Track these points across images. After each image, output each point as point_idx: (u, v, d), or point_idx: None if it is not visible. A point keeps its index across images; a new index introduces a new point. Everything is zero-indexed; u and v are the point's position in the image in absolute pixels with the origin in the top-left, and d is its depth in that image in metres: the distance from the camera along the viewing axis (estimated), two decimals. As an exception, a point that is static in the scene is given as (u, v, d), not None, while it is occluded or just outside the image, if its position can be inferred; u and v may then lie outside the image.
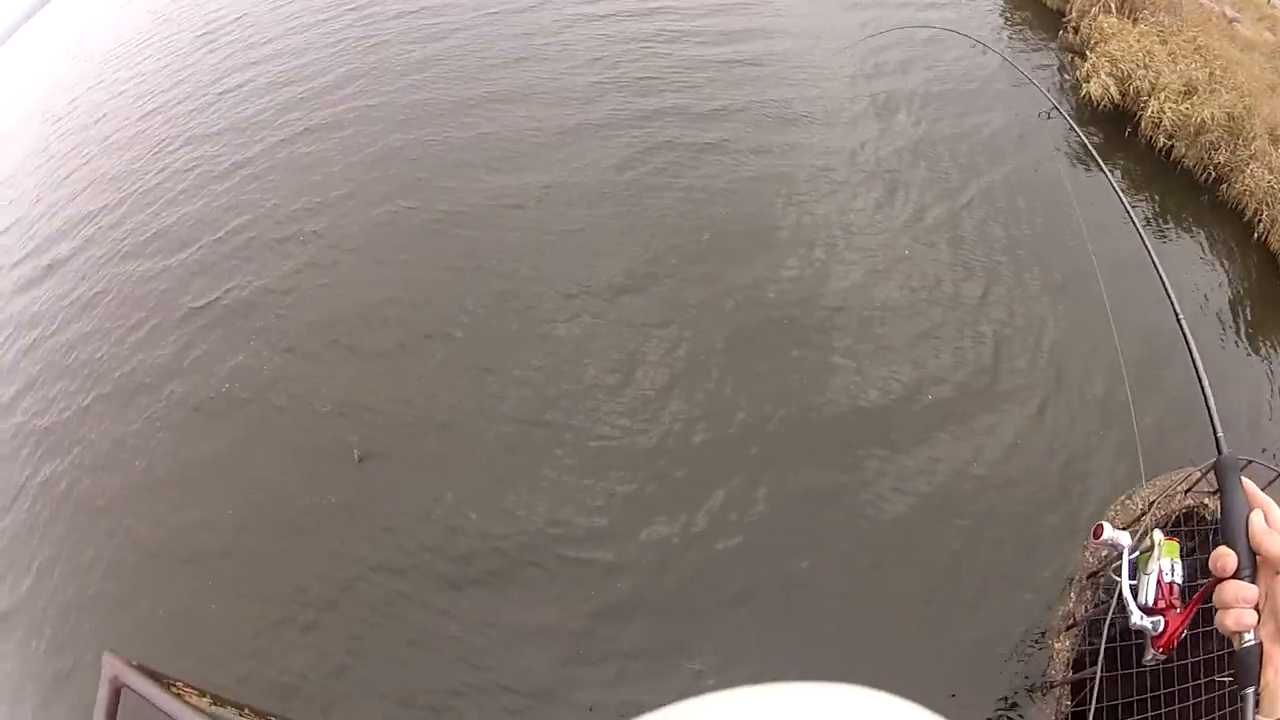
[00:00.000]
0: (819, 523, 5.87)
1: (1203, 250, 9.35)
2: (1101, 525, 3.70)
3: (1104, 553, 5.33)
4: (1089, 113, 10.77)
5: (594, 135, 9.77)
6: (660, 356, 6.81)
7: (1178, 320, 2.25)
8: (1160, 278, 2.42)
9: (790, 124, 9.98)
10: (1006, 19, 13.64)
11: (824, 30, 12.54)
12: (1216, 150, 10.10)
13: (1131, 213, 2.76)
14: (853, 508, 5.99)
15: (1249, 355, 7.94)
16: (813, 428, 6.42)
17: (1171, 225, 9.46)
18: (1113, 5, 12.12)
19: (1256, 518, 1.01)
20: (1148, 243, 2.61)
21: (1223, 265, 9.19)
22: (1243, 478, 1.11)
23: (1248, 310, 8.48)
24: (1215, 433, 1.67)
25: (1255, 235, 9.64)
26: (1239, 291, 8.80)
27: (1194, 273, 8.95)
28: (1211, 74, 10.82)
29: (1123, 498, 6.15)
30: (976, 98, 10.92)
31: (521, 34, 12.52)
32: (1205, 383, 1.82)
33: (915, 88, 10.91)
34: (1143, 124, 10.46)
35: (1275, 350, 8.01)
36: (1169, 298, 2.33)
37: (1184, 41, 11.48)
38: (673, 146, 9.40)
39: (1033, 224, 8.74)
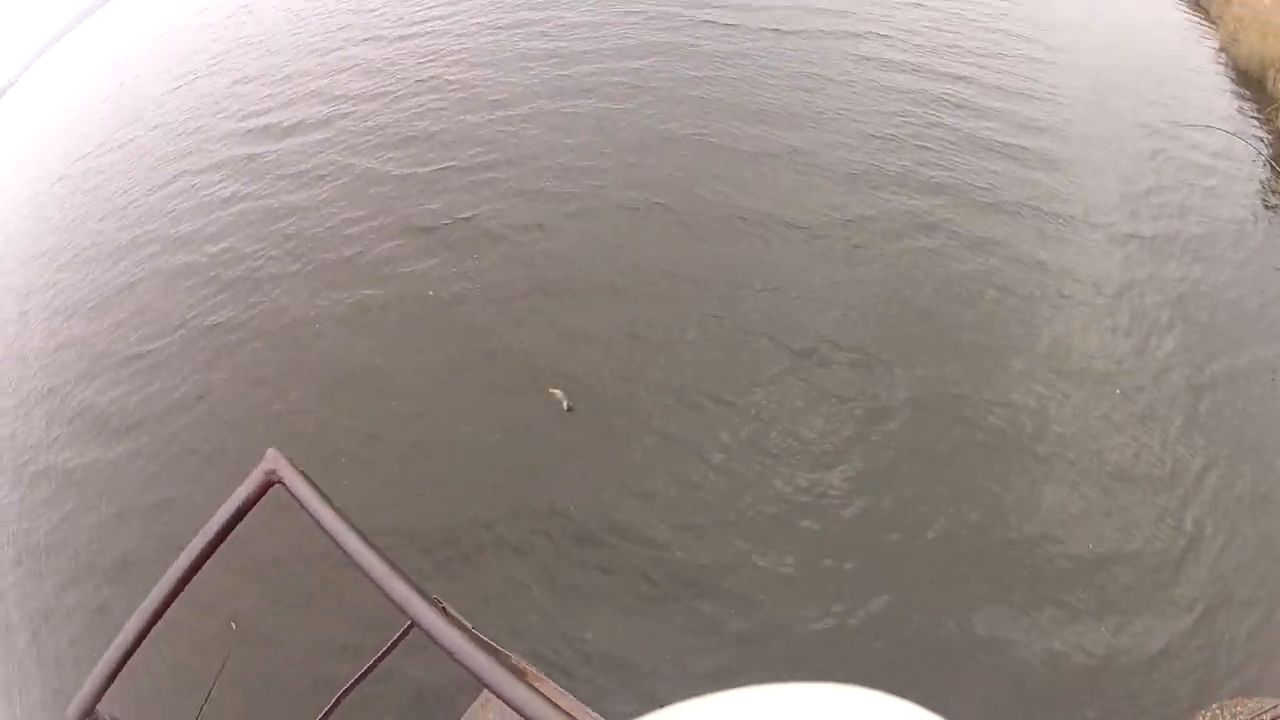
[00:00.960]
0: (961, 656, 5.88)
1: None
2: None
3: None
4: None
5: (853, 186, 9.61)
6: (864, 439, 6.87)
7: None
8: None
9: (1051, 238, 9.46)
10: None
11: (1107, 140, 11.81)
12: None
13: None
14: (999, 653, 5.95)
15: None
16: (987, 561, 6.39)
17: None
18: None
19: None
20: None
21: None
22: None
23: None
24: None
25: None
26: None
27: None
28: None
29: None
30: (1264, 254, 9.95)
31: (807, 61, 12.48)
32: None
33: (1192, 227, 10.16)
34: None
35: None
36: None
37: None
38: (930, 230, 9.12)
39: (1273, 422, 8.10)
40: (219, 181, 11.83)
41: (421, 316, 8.51)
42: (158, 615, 1.41)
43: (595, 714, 3.51)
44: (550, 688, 3.55)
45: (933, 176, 9.92)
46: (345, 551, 1.33)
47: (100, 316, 9.91)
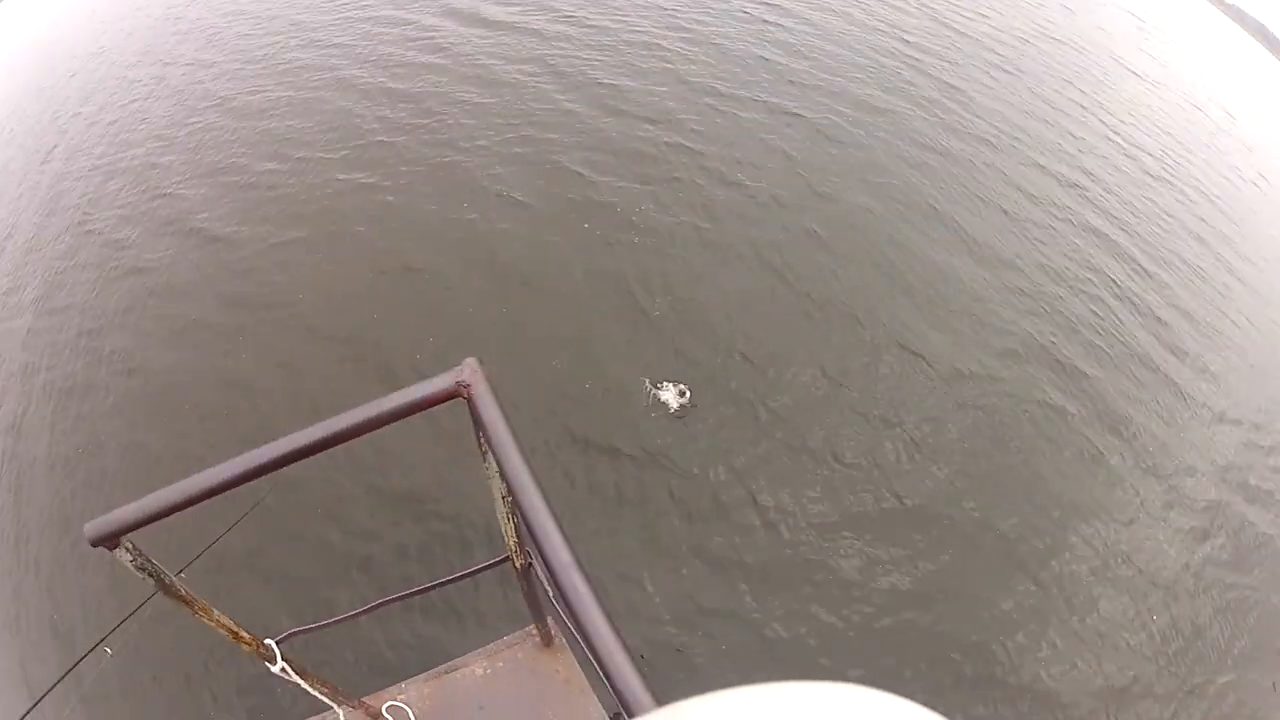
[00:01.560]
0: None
1: None
2: None
3: None
4: None
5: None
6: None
7: None
8: None
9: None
10: None
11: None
12: None
13: None
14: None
15: None
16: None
17: None
18: None
19: None
20: None
21: None
22: None
23: None
24: None
25: None
26: None
27: None
28: None
29: None
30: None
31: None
32: None
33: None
34: None
35: None
36: None
37: None
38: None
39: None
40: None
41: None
42: (245, 478, 1.29)
43: None
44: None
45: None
46: (517, 499, 1.22)
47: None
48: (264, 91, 11.26)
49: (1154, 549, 7.18)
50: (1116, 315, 9.72)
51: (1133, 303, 10.09)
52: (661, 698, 0.81)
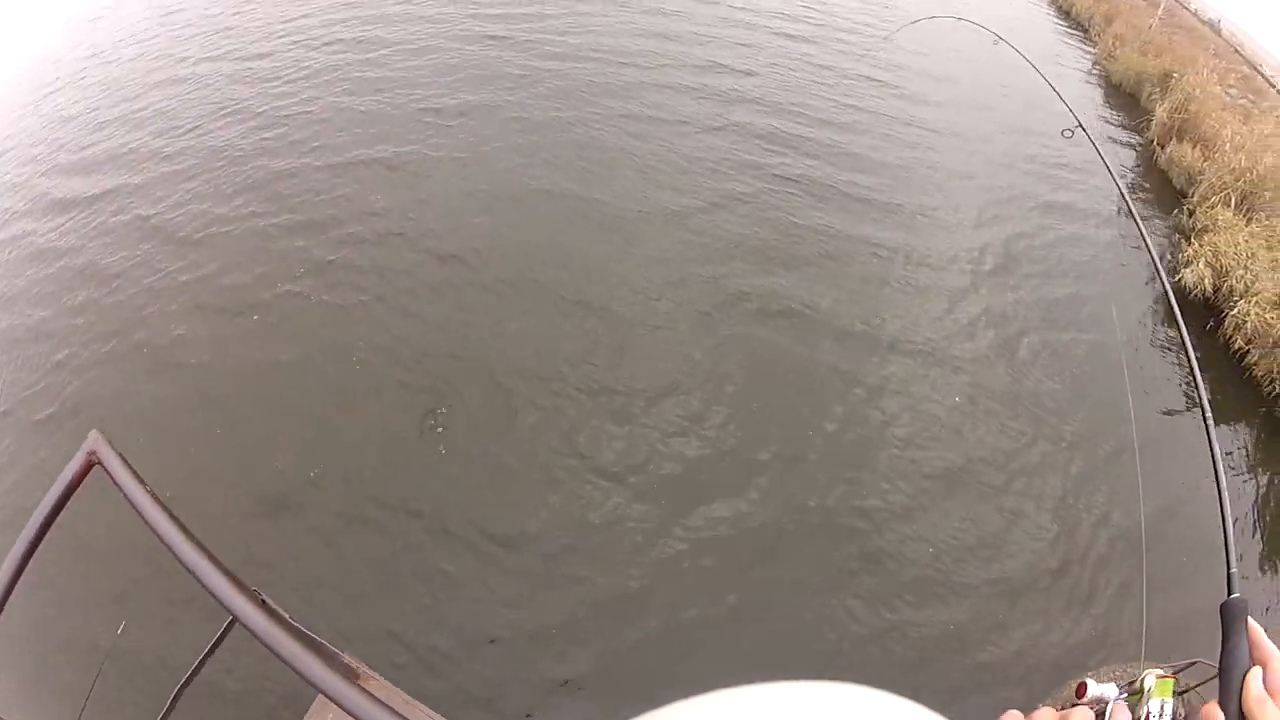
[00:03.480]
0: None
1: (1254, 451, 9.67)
2: (1085, 682, 3.03)
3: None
4: (1181, 298, 11.08)
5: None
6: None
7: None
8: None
9: (919, 229, 10.67)
10: (1133, 186, 14.23)
11: (975, 148, 13.20)
12: None
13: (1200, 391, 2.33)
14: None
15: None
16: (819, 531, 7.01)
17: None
18: (1233, 199, 12.91)
19: (1254, 678, 0.90)
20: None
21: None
22: (1253, 624, 1.00)
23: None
24: (1229, 568, 1.40)
25: None
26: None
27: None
28: None
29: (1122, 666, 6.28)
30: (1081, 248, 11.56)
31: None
32: (1227, 509, 1.66)
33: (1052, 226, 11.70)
34: (1227, 323, 10.72)
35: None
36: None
37: None
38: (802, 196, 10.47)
39: (1092, 386, 9.24)
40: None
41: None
42: None
43: (429, 710, 3.46)
44: (381, 685, 3.46)
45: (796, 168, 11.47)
46: (161, 539, 1.28)
47: None
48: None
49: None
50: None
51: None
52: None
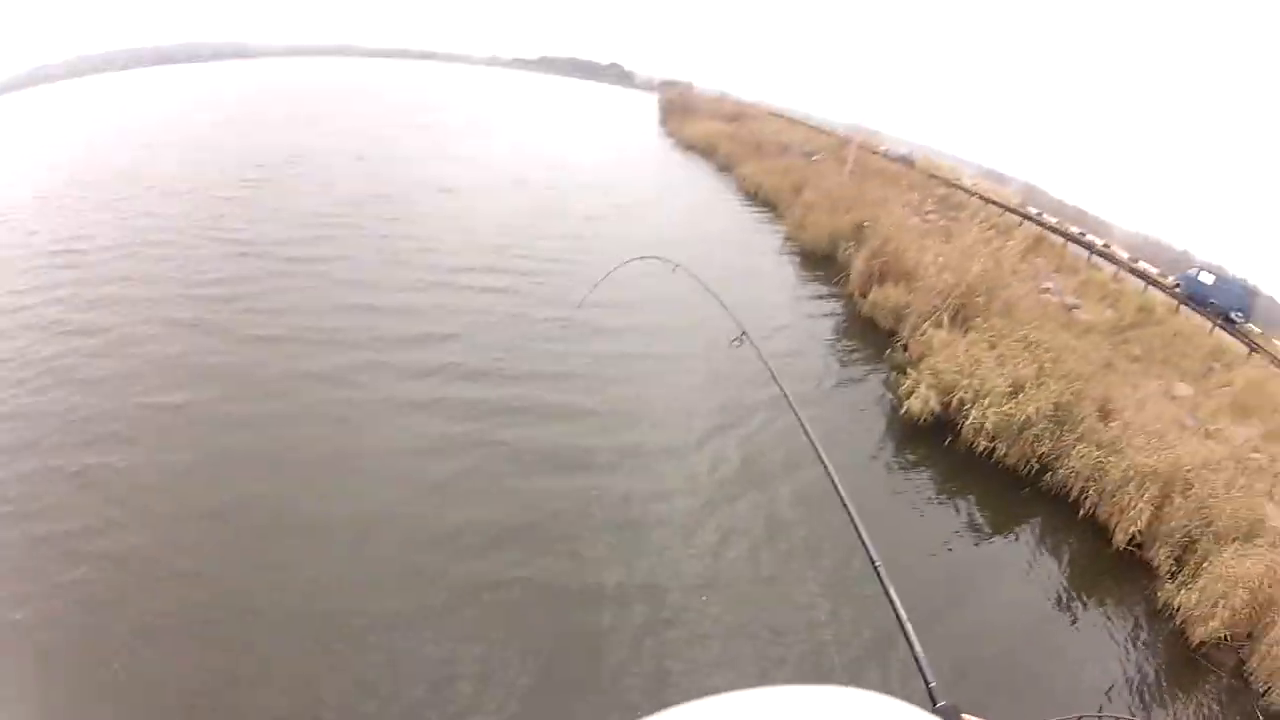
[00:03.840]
0: None
1: (1027, 541, 10.56)
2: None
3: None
4: (910, 429, 12.15)
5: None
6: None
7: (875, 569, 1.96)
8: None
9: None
10: (833, 343, 15.68)
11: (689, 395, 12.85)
12: (1040, 442, 11.38)
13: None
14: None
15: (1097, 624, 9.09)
16: None
17: (988, 524, 10.74)
18: (945, 319, 14.22)
19: None
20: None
21: (1046, 547, 10.46)
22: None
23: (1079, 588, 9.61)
24: (927, 683, 1.40)
25: (1080, 512, 10.83)
26: (1068, 570, 10.02)
27: (1032, 564, 10.12)
28: (1040, 368, 12.31)
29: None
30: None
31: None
32: (909, 631, 1.65)
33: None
34: (964, 431, 11.73)
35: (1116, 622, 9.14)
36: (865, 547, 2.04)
37: (1014, 342, 13.16)
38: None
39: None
40: None
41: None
42: None
43: None
44: None
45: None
46: None
47: None
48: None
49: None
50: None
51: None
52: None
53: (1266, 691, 8.54)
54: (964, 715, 1.14)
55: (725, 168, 36.11)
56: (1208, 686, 8.67)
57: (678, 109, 55.45)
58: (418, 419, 10.87)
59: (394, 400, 11.32)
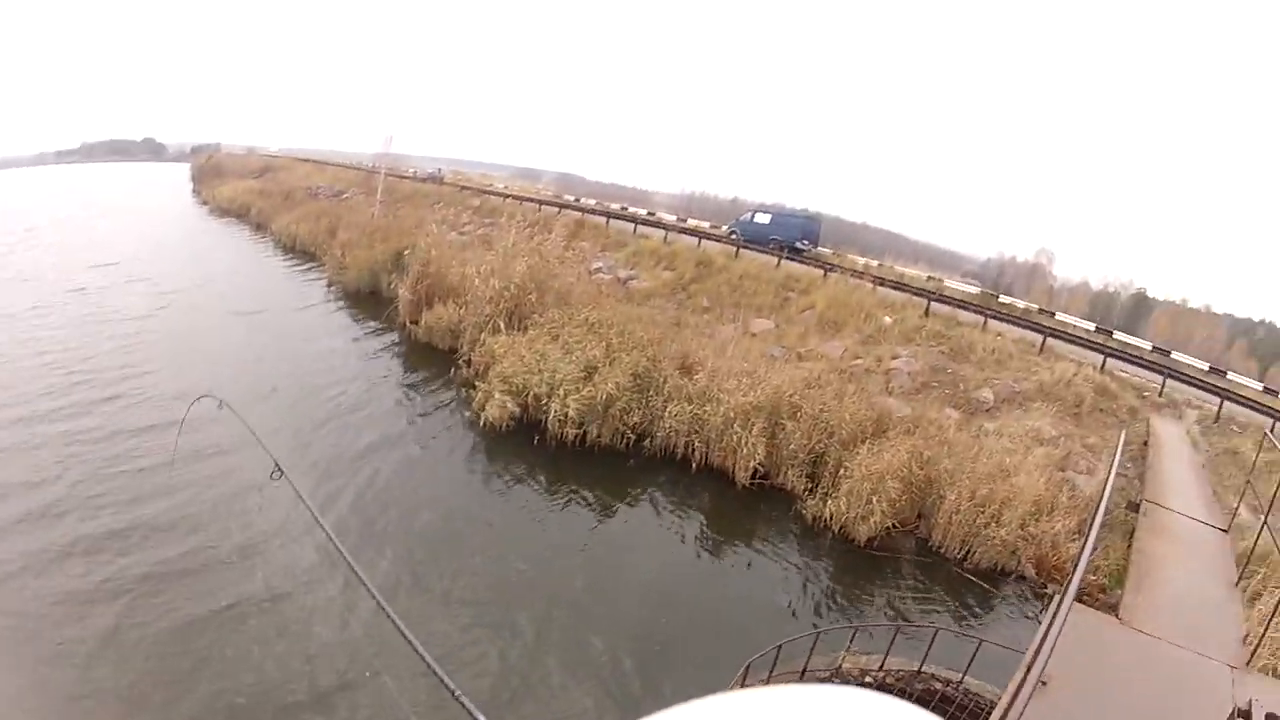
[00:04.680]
0: None
1: (656, 509, 10.11)
2: None
3: None
4: (496, 438, 11.12)
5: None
6: None
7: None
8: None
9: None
10: (398, 381, 14.00)
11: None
12: (629, 414, 11.11)
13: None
14: None
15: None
16: None
17: (607, 507, 10.10)
18: (500, 323, 13.08)
19: None
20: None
21: (673, 508, 10.13)
22: None
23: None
24: None
25: (694, 465, 10.88)
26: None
27: (671, 528, 9.56)
28: (608, 345, 12.05)
29: None
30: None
31: None
32: None
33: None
34: (550, 425, 10.96)
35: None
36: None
37: (576, 327, 12.75)
38: None
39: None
40: None
41: None
42: None
43: None
44: None
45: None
46: None
47: None
48: None
49: None
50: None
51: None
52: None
53: (966, 555, 9.30)
54: None
55: (260, 225, 32.30)
56: (899, 571, 9.14)
57: (209, 173, 51.71)
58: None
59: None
